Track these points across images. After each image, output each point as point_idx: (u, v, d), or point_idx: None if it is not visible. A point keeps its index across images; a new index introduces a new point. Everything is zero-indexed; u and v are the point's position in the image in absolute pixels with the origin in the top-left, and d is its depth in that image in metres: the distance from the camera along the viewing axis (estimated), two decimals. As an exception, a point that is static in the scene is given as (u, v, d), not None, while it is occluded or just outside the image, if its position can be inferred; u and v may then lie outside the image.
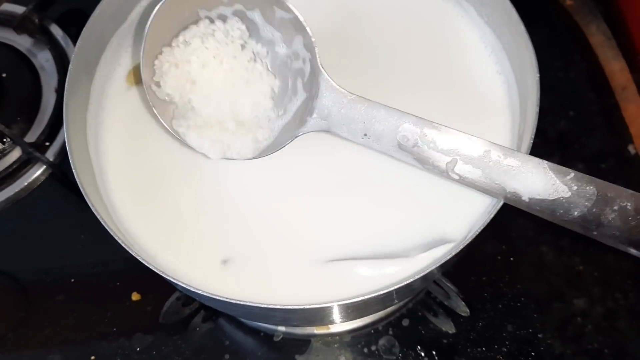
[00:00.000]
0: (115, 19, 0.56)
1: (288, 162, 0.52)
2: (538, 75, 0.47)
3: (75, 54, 0.50)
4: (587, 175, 0.42)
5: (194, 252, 0.49)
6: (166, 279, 0.43)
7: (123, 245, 0.44)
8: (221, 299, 0.41)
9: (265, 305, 0.41)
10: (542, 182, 0.42)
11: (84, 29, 0.52)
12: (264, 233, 0.50)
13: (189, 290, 0.43)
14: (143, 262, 0.43)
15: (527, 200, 0.43)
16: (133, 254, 0.43)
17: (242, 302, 0.41)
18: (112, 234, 0.44)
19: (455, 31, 0.58)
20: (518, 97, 0.52)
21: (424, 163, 0.46)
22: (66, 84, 0.49)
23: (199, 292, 0.42)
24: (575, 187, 0.42)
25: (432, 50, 0.57)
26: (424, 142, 0.45)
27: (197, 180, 0.52)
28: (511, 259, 0.65)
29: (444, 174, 0.45)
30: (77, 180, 0.46)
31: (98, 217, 0.45)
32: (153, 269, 0.43)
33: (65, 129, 0.48)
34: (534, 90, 0.47)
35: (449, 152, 0.44)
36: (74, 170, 0.47)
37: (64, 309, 0.64)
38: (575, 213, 0.42)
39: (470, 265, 0.63)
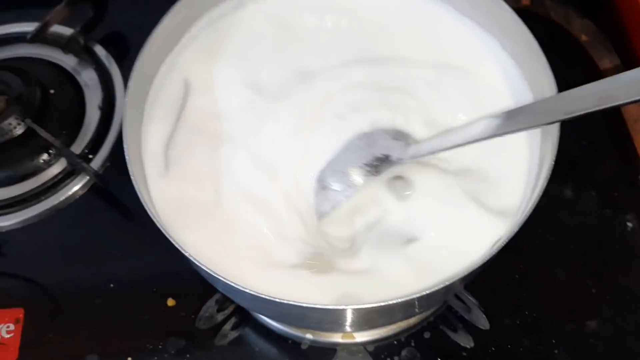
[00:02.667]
0: (170, 39, 0.61)
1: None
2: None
3: (135, 70, 0.55)
4: None
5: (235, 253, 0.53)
6: (211, 275, 0.46)
7: (172, 240, 0.47)
8: (265, 297, 0.45)
9: (306, 305, 0.44)
10: None
11: (141, 52, 0.56)
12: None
13: (231, 287, 0.46)
14: (191, 259, 0.47)
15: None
16: (185, 253, 0.47)
17: (285, 302, 0.44)
18: (160, 228, 0.48)
19: (479, 62, 0.61)
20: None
21: None
22: (126, 96, 0.53)
23: (241, 288, 0.45)
24: None
25: (457, 80, 0.61)
26: None
27: (242, 194, 0.56)
28: (528, 277, 0.68)
29: None
30: (133, 179, 0.50)
31: (150, 214, 0.49)
32: (200, 265, 0.46)
33: (124, 136, 0.52)
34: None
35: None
36: (130, 170, 0.50)
37: (101, 312, 0.67)
38: None
39: (489, 282, 0.66)
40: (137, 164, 0.54)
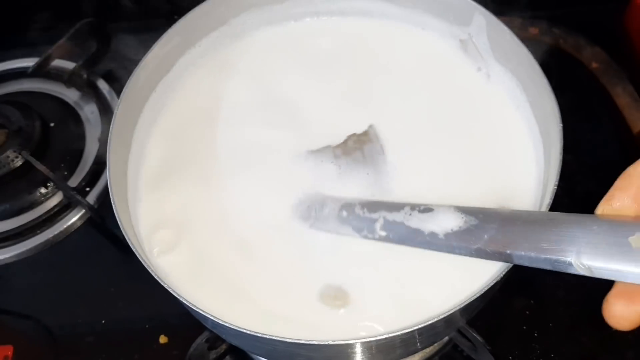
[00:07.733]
0: (159, 70, 0.60)
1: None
2: (561, 125, 0.49)
3: (121, 100, 0.54)
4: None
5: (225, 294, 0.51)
6: (198, 312, 0.44)
7: (155, 277, 0.45)
8: (249, 332, 0.42)
9: (291, 340, 0.42)
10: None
11: (130, 79, 0.55)
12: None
13: (218, 324, 0.44)
14: (175, 294, 0.44)
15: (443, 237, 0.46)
16: (166, 286, 0.45)
17: (267, 336, 0.42)
18: (146, 266, 0.46)
19: (481, 86, 0.60)
20: (542, 148, 0.54)
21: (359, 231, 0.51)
22: (111, 126, 0.52)
23: (227, 325, 0.43)
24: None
25: (458, 103, 0.60)
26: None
27: (228, 228, 0.54)
28: (540, 315, 0.64)
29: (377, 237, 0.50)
30: (118, 220, 0.48)
31: (137, 255, 0.47)
32: (185, 302, 0.44)
33: (107, 173, 0.51)
34: (557, 140, 0.48)
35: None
36: (114, 210, 0.49)
37: (93, 350, 0.65)
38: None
39: (498, 319, 0.63)
40: (120, 189, 0.53)
